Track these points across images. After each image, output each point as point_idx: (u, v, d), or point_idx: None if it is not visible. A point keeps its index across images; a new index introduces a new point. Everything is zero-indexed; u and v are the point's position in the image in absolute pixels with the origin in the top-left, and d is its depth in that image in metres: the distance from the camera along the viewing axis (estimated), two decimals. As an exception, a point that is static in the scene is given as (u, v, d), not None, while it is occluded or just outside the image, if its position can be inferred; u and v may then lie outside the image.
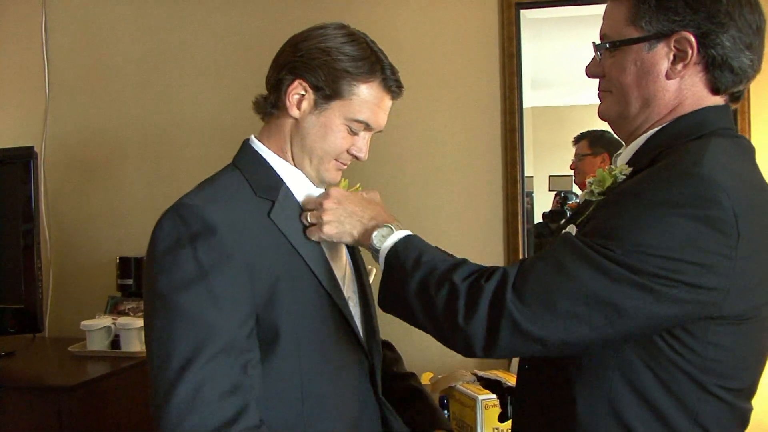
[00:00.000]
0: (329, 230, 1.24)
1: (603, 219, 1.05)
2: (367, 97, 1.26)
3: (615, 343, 1.05)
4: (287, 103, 1.26)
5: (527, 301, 1.00)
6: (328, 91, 1.24)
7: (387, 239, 1.19)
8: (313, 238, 1.26)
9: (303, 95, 1.25)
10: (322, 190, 1.33)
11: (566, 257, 1.02)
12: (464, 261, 1.12)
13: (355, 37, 1.27)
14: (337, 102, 1.25)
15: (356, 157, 1.31)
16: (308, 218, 1.26)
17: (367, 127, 1.29)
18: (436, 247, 1.19)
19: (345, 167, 1.33)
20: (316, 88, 1.24)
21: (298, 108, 1.26)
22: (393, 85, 1.29)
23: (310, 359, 1.21)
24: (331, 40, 1.25)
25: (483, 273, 1.06)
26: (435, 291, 1.07)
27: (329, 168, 1.30)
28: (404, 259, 1.15)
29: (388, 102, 1.31)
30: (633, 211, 1.01)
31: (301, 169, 1.30)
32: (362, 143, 1.30)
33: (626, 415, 1.07)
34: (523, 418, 1.27)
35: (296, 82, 1.25)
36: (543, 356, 1.12)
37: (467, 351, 1.05)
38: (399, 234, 1.20)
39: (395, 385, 1.49)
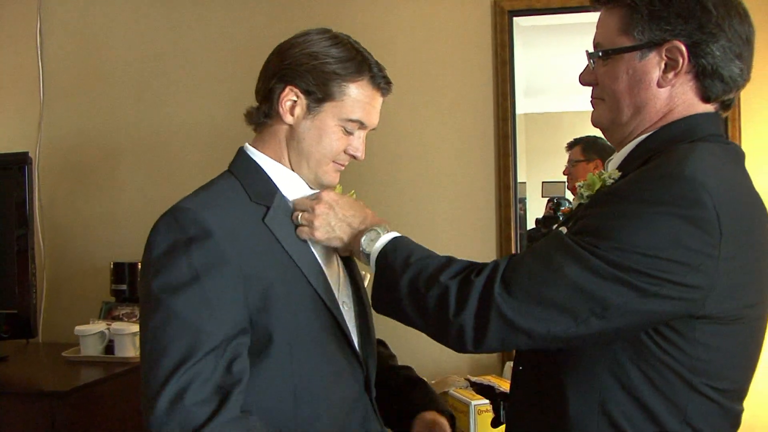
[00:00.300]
0: (319, 235, 1.27)
1: (591, 218, 1.07)
2: (357, 96, 1.28)
3: (601, 338, 1.06)
4: (280, 110, 1.28)
5: (514, 293, 1.03)
6: (319, 95, 1.26)
7: (375, 243, 1.22)
8: (302, 237, 1.27)
9: (295, 101, 1.27)
10: (317, 190, 1.35)
11: (555, 253, 1.04)
12: (452, 258, 1.15)
13: (339, 40, 1.29)
14: (329, 104, 1.27)
15: (354, 157, 1.33)
16: (299, 219, 1.28)
17: (362, 125, 1.31)
18: (424, 247, 1.21)
19: (343, 168, 1.34)
20: (307, 93, 1.26)
21: (292, 114, 1.28)
22: (381, 82, 1.31)
23: (304, 364, 1.22)
24: (316, 44, 1.27)
25: (473, 269, 1.10)
26: (426, 290, 1.10)
27: (327, 171, 1.31)
28: (393, 260, 1.18)
29: (378, 99, 1.33)
30: (619, 211, 1.03)
31: (299, 174, 1.32)
32: (358, 142, 1.32)
33: (617, 415, 1.08)
34: (516, 420, 1.28)
35: (287, 89, 1.27)
36: (531, 349, 1.14)
37: (459, 346, 1.08)
38: (387, 237, 1.23)
39: (394, 375, 1.50)
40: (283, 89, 1.27)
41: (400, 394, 1.46)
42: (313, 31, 1.30)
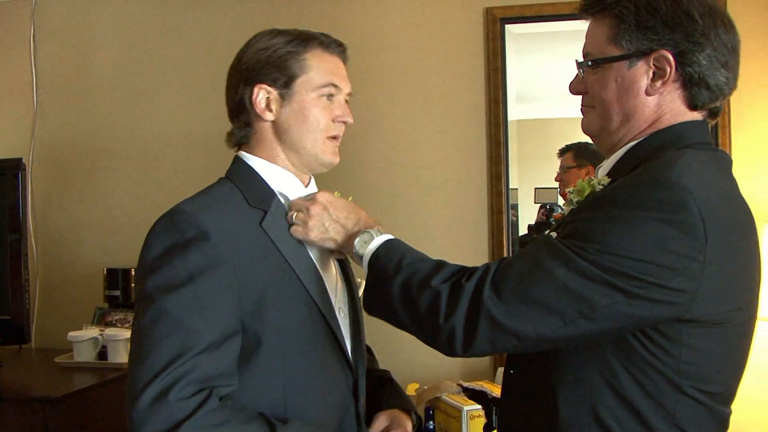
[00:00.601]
0: (313, 235, 1.28)
1: (579, 222, 1.09)
2: (318, 63, 1.31)
3: (590, 340, 1.08)
4: (258, 110, 1.30)
5: (504, 295, 1.04)
6: (284, 78, 1.29)
7: (369, 245, 1.23)
8: (296, 236, 1.28)
9: (268, 97, 1.30)
10: (314, 189, 1.36)
11: (544, 255, 1.06)
12: (443, 262, 1.16)
13: (280, 30, 1.34)
14: (297, 82, 1.30)
15: (344, 122, 1.35)
16: (293, 219, 1.29)
17: (336, 88, 1.33)
18: (417, 250, 1.22)
19: (339, 141, 1.36)
20: (274, 82, 1.29)
21: (270, 110, 1.31)
22: (332, 45, 1.34)
23: (296, 368, 1.23)
24: (261, 41, 1.32)
25: (464, 272, 1.11)
26: (417, 294, 1.11)
27: (326, 149, 1.33)
28: (386, 263, 1.19)
29: (339, 62, 1.36)
30: (607, 215, 1.05)
31: (299, 164, 1.33)
32: (341, 109, 1.34)
33: (608, 418, 1.10)
34: (508, 425, 1.29)
35: (256, 89, 1.30)
36: (521, 352, 1.16)
37: (449, 349, 1.09)
38: (380, 239, 1.24)
39: (371, 376, 1.51)
40: (252, 91, 1.30)
41: (371, 393, 1.47)
42: (254, 36, 1.35)
